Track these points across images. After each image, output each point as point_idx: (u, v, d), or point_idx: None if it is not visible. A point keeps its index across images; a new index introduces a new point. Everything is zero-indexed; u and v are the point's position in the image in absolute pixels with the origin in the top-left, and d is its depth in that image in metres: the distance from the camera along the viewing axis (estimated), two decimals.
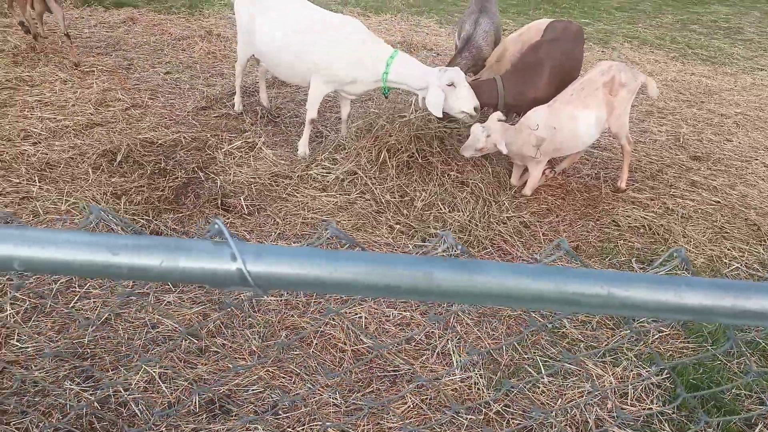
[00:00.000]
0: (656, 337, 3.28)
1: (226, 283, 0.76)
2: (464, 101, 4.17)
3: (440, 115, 4.19)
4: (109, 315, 2.97)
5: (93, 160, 4.18)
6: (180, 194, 3.99)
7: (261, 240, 3.65)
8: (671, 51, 10.32)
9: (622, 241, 4.13)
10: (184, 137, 4.66)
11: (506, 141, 4.13)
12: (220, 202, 3.92)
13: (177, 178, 4.12)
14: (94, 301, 3.05)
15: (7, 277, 3.06)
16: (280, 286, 0.78)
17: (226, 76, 6.05)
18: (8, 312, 2.88)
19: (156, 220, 3.67)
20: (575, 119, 4.33)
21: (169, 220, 3.71)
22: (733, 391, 2.96)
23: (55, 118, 4.73)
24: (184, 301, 3.13)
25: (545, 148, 4.33)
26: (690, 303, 0.75)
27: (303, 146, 4.61)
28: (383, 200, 4.10)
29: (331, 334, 3.06)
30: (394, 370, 2.93)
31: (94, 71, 5.73)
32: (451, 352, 3.04)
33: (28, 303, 2.95)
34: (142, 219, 3.63)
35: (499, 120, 4.27)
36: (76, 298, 3.05)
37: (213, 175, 4.25)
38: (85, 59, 6.00)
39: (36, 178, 3.92)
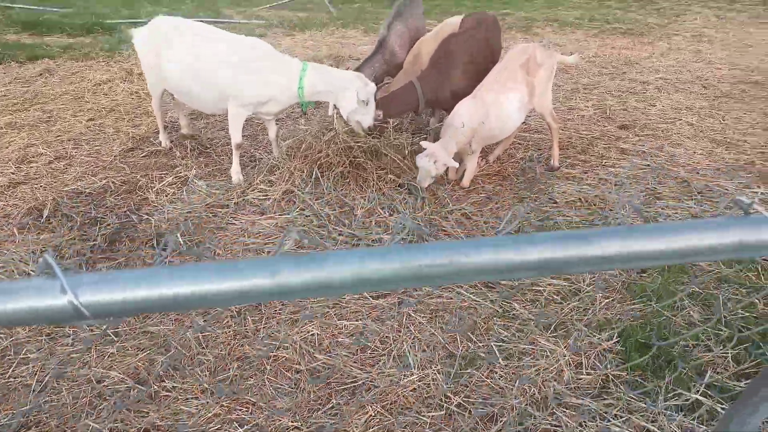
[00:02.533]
0: (603, 304, 3.35)
1: (62, 318, 0.73)
2: (367, 118, 4.28)
3: (345, 117, 4.29)
4: (50, 378, 2.85)
5: (18, 221, 4.03)
6: (113, 241, 3.88)
7: None
8: (591, 29, 10.68)
9: (561, 218, 4.22)
10: (113, 182, 4.55)
11: (450, 149, 4.24)
12: (155, 242, 3.83)
13: (109, 225, 4.01)
14: (32, 366, 2.92)
15: None
16: (121, 314, 0.75)
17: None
18: None
19: (90, 272, 3.55)
20: (500, 104, 4.41)
21: (104, 269, 3.60)
22: (681, 343, 3.04)
23: None
24: (128, 349, 3.04)
25: (477, 138, 4.41)
26: (531, 258, 0.77)
27: (235, 173, 4.56)
28: (323, 214, 4.08)
29: (284, 356, 3.02)
30: (352, 382, 2.90)
31: (11, 129, 5.54)
32: (407, 353, 3.04)
33: None
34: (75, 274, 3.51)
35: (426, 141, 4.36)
36: (13, 366, 2.92)
37: (147, 216, 4.15)
38: (1, 118, 5.80)
39: None
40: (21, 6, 11.64)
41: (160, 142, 5.10)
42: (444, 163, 4.18)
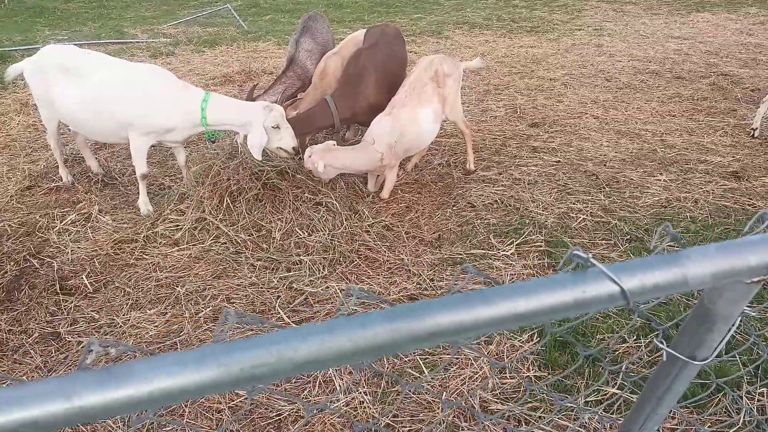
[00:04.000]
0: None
1: None
2: (286, 141, 4.14)
3: (260, 158, 4.07)
4: None
5: None
6: (12, 290, 3.60)
7: (111, 317, 3.37)
8: (499, 29, 10.97)
9: (479, 221, 4.28)
10: (10, 225, 4.23)
11: (344, 162, 4.23)
12: (58, 287, 3.58)
13: (6, 272, 3.72)
14: None
15: None
16: None
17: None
18: None
19: None
20: (416, 119, 4.43)
21: (2, 322, 3.33)
22: (597, 336, 3.14)
23: None
24: None
25: (396, 152, 4.41)
26: (367, 343, 0.73)
27: (143, 204, 4.35)
28: (239, 240, 3.95)
29: (202, 398, 2.88)
30: (277, 414, 2.81)
31: None
32: (333, 378, 2.98)
33: None
34: None
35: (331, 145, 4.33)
36: None
37: (48, 259, 3.88)
38: None
39: None
40: None
41: (61, 178, 4.80)
42: (313, 162, 4.17)
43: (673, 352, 1.10)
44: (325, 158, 4.16)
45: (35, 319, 3.38)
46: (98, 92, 4.02)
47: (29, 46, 10.18)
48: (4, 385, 2.54)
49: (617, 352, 3.04)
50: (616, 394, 2.75)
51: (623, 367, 2.91)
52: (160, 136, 4.16)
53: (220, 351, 0.70)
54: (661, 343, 1.10)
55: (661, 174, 4.94)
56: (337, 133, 5.34)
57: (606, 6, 12.94)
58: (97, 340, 0.66)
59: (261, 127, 3.97)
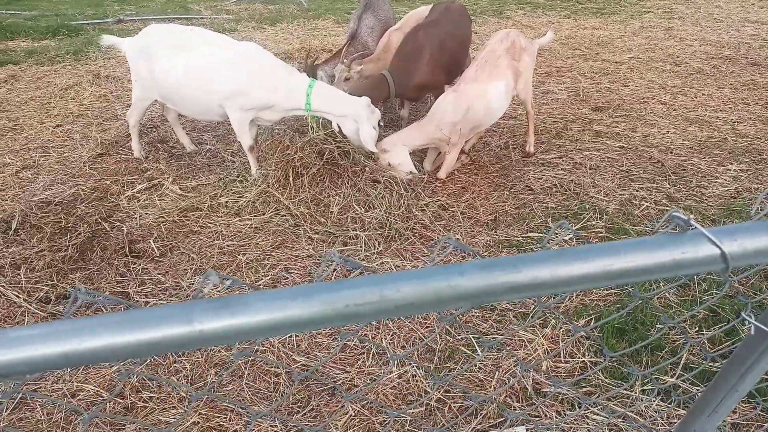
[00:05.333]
0: (579, 290, 3.36)
1: None
2: (369, 143, 4.26)
3: (375, 150, 4.26)
4: (24, 394, 2.80)
5: None
6: (85, 250, 3.81)
7: (177, 280, 3.53)
8: (563, 10, 10.66)
9: (536, 204, 4.22)
10: (83, 190, 4.46)
11: (412, 142, 4.24)
12: (127, 250, 3.77)
13: (80, 234, 3.93)
14: (2, 387, 2.86)
15: None
16: (29, 372, 0.72)
17: (121, 118, 5.84)
18: None
19: (62, 283, 3.49)
20: (486, 94, 4.36)
21: (76, 280, 3.54)
22: (656, 326, 3.06)
23: None
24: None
25: (461, 129, 4.37)
26: (465, 289, 0.74)
27: (254, 170, 4.51)
28: (298, 213, 4.04)
29: (261, 361, 2.99)
30: (334, 381, 2.89)
31: None
32: (386, 351, 3.03)
33: None
34: (46, 285, 3.45)
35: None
36: None
37: (119, 223, 4.08)
38: None
39: None
40: None
41: (133, 152, 5.00)
42: (388, 158, 4.24)
43: (761, 325, 1.07)
44: (392, 139, 4.20)
45: (106, 279, 3.57)
46: (204, 65, 4.16)
47: (101, 20, 10.60)
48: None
49: (677, 343, 2.96)
50: (676, 384, 2.69)
51: (683, 359, 2.84)
52: (258, 112, 4.29)
53: (327, 288, 0.73)
54: (749, 316, 1.07)
55: (731, 163, 4.73)
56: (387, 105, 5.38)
57: None
58: (214, 272, 0.71)
59: (367, 122, 4.15)
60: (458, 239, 3.87)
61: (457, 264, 0.80)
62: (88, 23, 10.36)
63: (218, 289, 3.37)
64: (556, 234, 3.20)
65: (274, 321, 0.70)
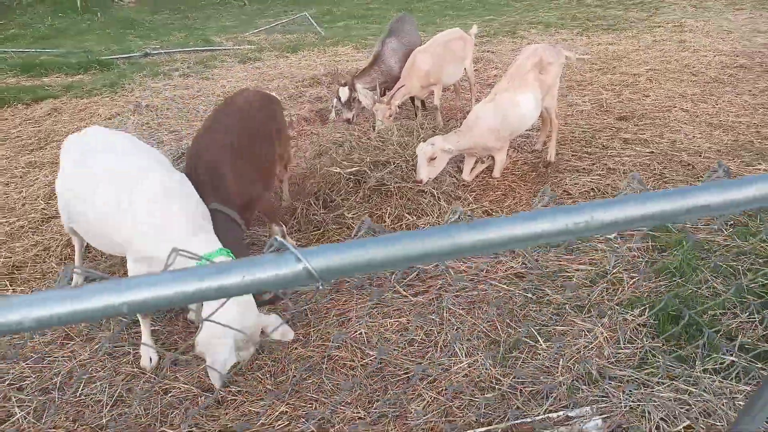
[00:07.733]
0: (630, 283, 3.54)
1: (296, 281, 0.91)
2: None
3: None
4: (121, 392, 2.99)
5: (59, 252, 4.18)
6: None
7: None
8: (574, 28, 10.97)
9: None
10: None
11: (453, 146, 4.48)
12: None
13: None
14: (100, 384, 3.06)
15: (8, 382, 3.06)
16: (340, 274, 0.94)
17: (167, 143, 6.12)
18: (18, 414, 2.86)
19: None
20: (518, 104, 4.68)
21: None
22: (709, 312, 3.23)
23: (7, 221, 4.69)
24: (190, 361, 3.19)
25: (502, 135, 4.68)
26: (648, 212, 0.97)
27: None
28: (353, 224, 4.26)
29: (337, 356, 3.18)
30: (405, 373, 3.06)
31: (32, 168, 5.69)
32: (453, 342, 3.20)
33: (35, 402, 2.94)
34: None
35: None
36: (81, 386, 3.06)
37: None
38: (21, 158, 5.96)
39: (7, 282, 3.89)
40: (14, 50, 11.80)
41: None
42: (441, 148, 4.38)
43: None
44: (436, 144, 4.42)
45: None
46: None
47: (128, 55, 11.01)
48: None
49: (731, 327, 3.12)
50: (734, 362, 2.85)
51: (738, 341, 3.00)
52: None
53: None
54: None
55: (760, 164, 4.93)
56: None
57: (684, 2, 12.69)
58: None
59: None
60: None
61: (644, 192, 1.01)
62: (117, 58, 10.77)
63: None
64: None
65: (507, 236, 0.94)
